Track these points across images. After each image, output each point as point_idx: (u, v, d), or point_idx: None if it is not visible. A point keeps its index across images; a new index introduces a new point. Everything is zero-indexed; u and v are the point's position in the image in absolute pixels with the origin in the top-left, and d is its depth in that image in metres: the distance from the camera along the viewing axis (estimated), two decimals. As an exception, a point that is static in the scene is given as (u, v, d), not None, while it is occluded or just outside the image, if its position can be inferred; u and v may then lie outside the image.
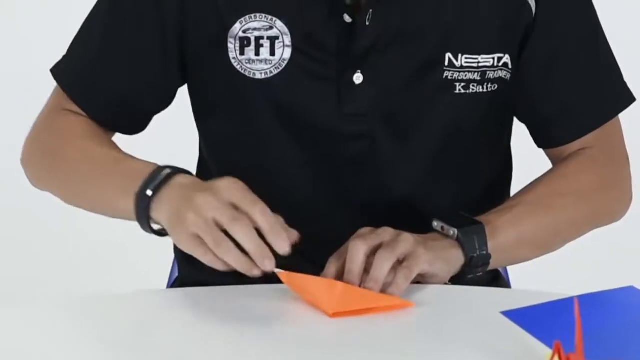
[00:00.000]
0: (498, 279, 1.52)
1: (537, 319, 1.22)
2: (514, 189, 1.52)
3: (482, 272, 1.33)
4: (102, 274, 2.42)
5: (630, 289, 1.29)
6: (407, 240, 1.25)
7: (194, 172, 1.54)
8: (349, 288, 1.21)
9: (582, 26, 1.43)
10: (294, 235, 1.19)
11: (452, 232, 1.30)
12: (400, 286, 1.22)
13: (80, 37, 1.42)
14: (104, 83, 1.41)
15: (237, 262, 1.15)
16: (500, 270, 1.54)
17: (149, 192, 1.23)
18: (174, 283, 1.57)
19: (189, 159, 1.59)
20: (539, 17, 1.38)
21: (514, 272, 1.59)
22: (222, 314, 1.23)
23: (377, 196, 1.41)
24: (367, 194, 1.41)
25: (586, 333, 1.09)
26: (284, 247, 1.16)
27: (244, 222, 1.16)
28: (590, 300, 1.22)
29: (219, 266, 1.17)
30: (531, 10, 1.37)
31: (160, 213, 1.22)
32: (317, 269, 1.26)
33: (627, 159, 1.47)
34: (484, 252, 1.30)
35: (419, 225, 1.32)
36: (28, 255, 3.09)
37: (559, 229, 1.42)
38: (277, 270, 1.17)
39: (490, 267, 1.33)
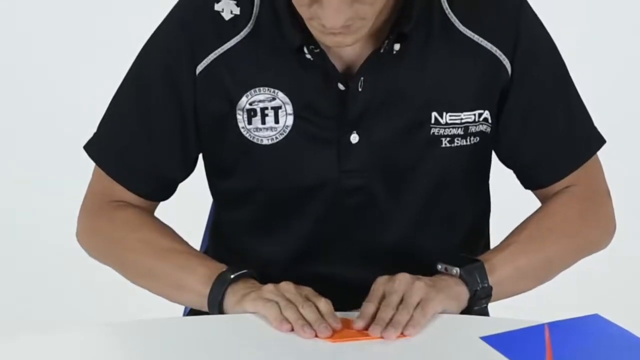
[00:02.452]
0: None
1: (513, 344, 1.28)
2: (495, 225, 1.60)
3: (486, 304, 1.39)
4: (124, 303, 2.46)
5: (595, 316, 1.35)
6: (420, 288, 1.32)
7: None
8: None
9: (554, 81, 1.49)
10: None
11: (454, 271, 1.36)
12: (417, 326, 1.29)
13: (110, 120, 1.50)
14: (138, 163, 1.48)
15: (294, 316, 1.29)
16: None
17: (231, 276, 1.36)
18: (189, 312, 1.60)
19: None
20: (514, 76, 1.44)
21: (492, 302, 1.56)
22: (230, 341, 1.31)
23: (374, 242, 1.48)
24: (365, 240, 1.48)
25: (556, 356, 1.18)
26: (336, 327, 1.29)
27: (310, 304, 1.30)
28: (559, 327, 1.29)
29: (271, 313, 1.30)
30: (507, 70, 1.44)
31: (233, 294, 1.35)
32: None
33: (608, 193, 1.54)
34: (486, 285, 1.37)
35: (410, 265, 1.38)
36: (50, 287, 3.07)
37: (551, 263, 1.48)
38: None
39: (493, 299, 1.39)
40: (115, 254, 1.50)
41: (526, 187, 1.56)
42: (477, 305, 1.37)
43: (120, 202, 1.50)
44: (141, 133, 1.48)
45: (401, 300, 1.31)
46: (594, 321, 1.35)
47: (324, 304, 1.31)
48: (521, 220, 1.51)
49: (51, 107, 3.85)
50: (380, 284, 1.34)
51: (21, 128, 3.80)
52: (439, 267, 1.39)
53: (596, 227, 1.53)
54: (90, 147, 1.51)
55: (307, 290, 1.34)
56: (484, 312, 1.54)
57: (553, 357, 1.18)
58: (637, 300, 2.89)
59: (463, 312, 1.37)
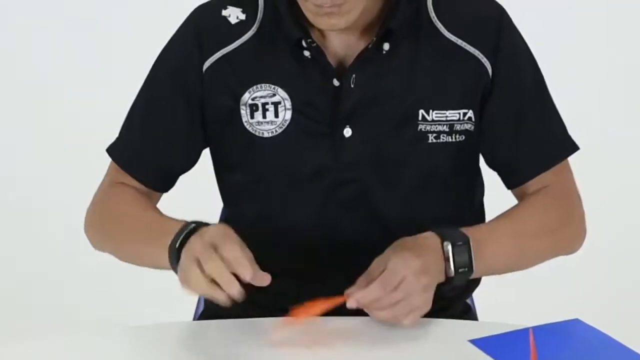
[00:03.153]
0: (468, 312, 1.63)
1: (500, 346, 1.31)
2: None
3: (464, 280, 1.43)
4: (140, 307, 2.47)
5: (576, 321, 1.40)
6: (422, 299, 1.36)
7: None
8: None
9: (532, 84, 1.56)
10: (264, 276, 1.31)
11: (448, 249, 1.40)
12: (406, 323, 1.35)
13: (127, 122, 1.59)
14: (145, 155, 1.56)
15: (223, 282, 1.28)
16: (470, 303, 1.65)
17: (177, 245, 1.36)
18: (200, 316, 1.67)
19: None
20: (495, 79, 1.51)
21: (480, 307, 1.69)
22: (240, 343, 1.35)
23: (367, 229, 1.53)
24: (359, 228, 1.53)
25: (540, 358, 1.23)
26: (245, 275, 1.27)
27: (214, 260, 1.28)
28: (542, 331, 1.34)
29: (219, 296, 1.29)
30: (488, 73, 1.51)
31: (186, 251, 1.34)
32: (319, 287, 1.37)
33: (580, 198, 1.59)
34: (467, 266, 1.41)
35: None
36: (64, 286, 3.09)
37: (528, 252, 1.52)
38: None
39: (474, 275, 1.43)
40: (105, 234, 1.56)
41: (508, 186, 1.61)
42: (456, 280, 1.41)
43: (120, 184, 1.57)
44: (150, 127, 1.55)
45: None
46: (575, 325, 1.39)
47: (229, 251, 1.30)
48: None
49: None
50: (389, 272, 1.36)
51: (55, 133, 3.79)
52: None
53: (572, 227, 1.58)
54: (111, 147, 1.60)
55: (210, 236, 1.32)
56: (473, 317, 1.62)
57: (537, 358, 1.23)
58: (613, 306, 2.89)
59: (454, 317, 1.43)
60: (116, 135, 1.60)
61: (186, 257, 1.32)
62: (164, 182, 1.61)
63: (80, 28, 3.94)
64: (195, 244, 1.32)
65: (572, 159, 1.60)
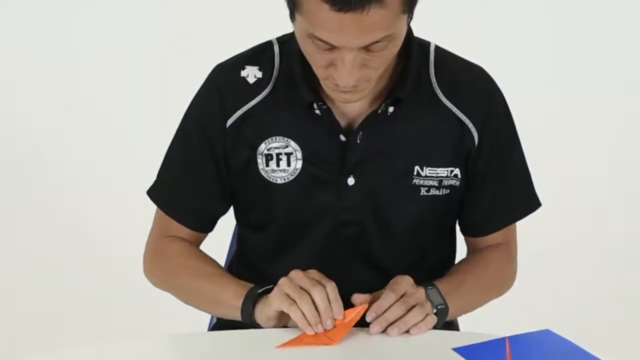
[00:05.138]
0: (451, 324, 1.74)
1: (480, 354, 1.37)
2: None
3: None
4: (158, 318, 2.54)
5: (547, 331, 1.47)
6: (427, 305, 1.50)
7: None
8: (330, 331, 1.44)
9: (510, 152, 1.68)
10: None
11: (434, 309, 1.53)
12: (427, 327, 1.47)
13: (165, 170, 1.69)
14: (188, 202, 1.66)
15: (310, 312, 1.42)
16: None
17: (258, 291, 1.52)
18: (214, 326, 1.79)
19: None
20: (480, 144, 1.62)
21: (461, 319, 1.77)
22: (251, 352, 1.41)
23: (364, 266, 1.64)
24: (357, 265, 1.64)
25: None
26: (339, 316, 1.44)
27: (321, 288, 1.44)
28: (517, 340, 1.43)
29: (297, 316, 1.44)
30: (474, 140, 1.62)
31: (261, 305, 1.49)
32: None
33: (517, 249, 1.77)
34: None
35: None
36: (86, 300, 3.13)
37: (479, 303, 1.68)
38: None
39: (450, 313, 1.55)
40: (169, 282, 1.68)
41: (466, 234, 1.73)
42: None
43: (173, 237, 1.68)
44: (187, 178, 1.66)
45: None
46: (546, 335, 1.47)
47: (331, 289, 1.46)
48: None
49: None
50: (393, 282, 1.51)
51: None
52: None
53: (512, 281, 1.75)
54: (151, 192, 1.70)
55: (314, 274, 1.49)
56: (455, 328, 1.73)
57: (513, 364, 1.31)
58: (579, 318, 2.97)
59: (439, 327, 1.52)
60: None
61: (287, 280, 1.47)
62: (208, 224, 1.71)
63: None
64: (296, 274, 1.47)
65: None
